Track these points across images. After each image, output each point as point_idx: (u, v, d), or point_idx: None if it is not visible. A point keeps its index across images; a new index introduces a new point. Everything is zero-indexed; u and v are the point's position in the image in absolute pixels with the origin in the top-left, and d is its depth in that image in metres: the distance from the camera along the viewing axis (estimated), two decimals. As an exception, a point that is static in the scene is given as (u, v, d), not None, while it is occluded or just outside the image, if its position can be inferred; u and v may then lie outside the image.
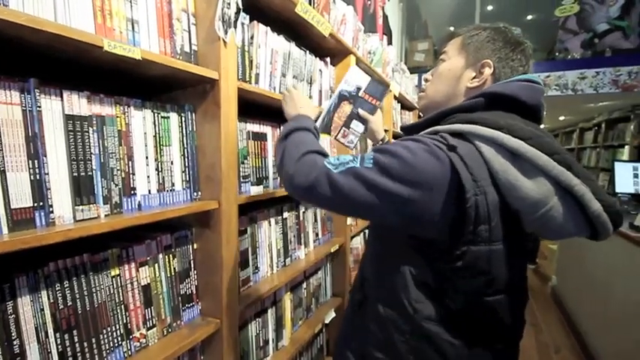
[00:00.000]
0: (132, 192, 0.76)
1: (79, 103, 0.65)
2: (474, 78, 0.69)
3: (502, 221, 0.55)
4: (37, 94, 0.59)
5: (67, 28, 0.55)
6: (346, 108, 0.95)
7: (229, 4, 0.86)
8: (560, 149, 0.54)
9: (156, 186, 0.81)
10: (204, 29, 0.87)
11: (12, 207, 0.56)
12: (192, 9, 0.86)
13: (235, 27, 0.89)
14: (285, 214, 1.37)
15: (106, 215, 0.70)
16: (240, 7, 0.90)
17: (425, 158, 0.54)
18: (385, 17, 2.96)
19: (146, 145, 0.79)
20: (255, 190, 1.15)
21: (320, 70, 1.52)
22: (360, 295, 0.73)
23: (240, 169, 1.07)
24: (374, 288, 0.70)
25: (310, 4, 1.28)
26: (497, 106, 0.62)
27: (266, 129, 1.21)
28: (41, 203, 0.60)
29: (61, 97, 0.62)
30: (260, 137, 1.18)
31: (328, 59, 1.57)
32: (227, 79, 0.88)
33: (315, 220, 1.58)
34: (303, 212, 1.48)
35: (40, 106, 0.59)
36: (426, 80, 0.79)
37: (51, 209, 0.61)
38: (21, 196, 0.57)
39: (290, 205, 1.40)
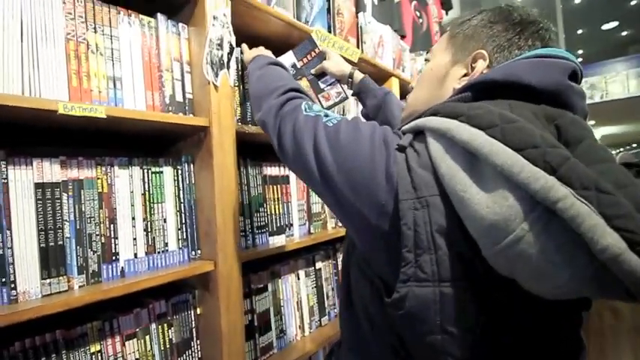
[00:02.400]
0: (113, 257, 0.70)
1: (50, 170, 0.63)
2: (464, 76, 0.50)
3: (459, 251, 0.37)
4: (4, 165, 0.58)
5: (10, 97, 0.53)
6: (305, 83, 0.98)
7: (219, 45, 0.80)
8: (549, 140, 0.33)
9: (144, 248, 0.74)
10: (197, 76, 0.82)
11: (-32, 287, 0.54)
12: (186, 57, 0.82)
13: (229, 67, 0.82)
14: (319, 264, 1.19)
15: (80, 286, 0.65)
16: (234, 45, 0.83)
17: (364, 144, 0.44)
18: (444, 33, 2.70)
19: (132, 205, 0.73)
20: (276, 241, 1.02)
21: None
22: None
23: (254, 219, 0.96)
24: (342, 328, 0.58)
25: (330, 31, 1.16)
26: (493, 98, 0.42)
27: (288, 171, 1.10)
28: (3, 279, 0.57)
29: (31, 165, 0.61)
30: (280, 181, 1.06)
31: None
32: (219, 125, 0.79)
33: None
34: (343, 260, 1.28)
35: (5, 178, 0.58)
36: (412, 89, 0.62)
37: (13, 285, 0.57)
38: (-21, 273, 0.55)
39: (325, 252, 1.23)
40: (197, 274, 0.77)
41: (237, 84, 0.92)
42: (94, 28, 0.69)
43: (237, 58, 0.91)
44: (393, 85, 1.51)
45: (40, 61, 0.61)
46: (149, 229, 0.75)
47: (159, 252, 0.77)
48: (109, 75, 0.70)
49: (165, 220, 0.78)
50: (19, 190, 0.59)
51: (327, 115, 0.52)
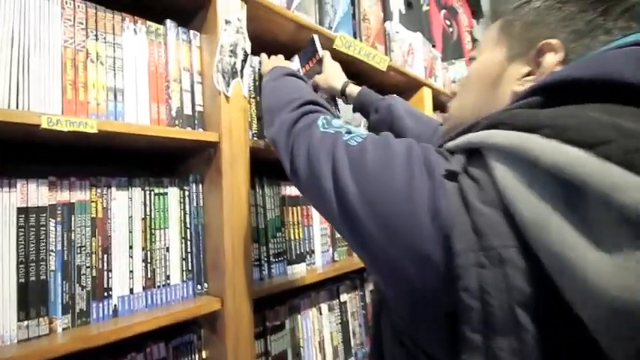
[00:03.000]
0: (105, 294, 0.60)
1: (37, 192, 0.55)
2: (528, 75, 0.38)
3: (555, 336, 0.24)
4: (-18, 188, 0.50)
5: None
6: None
7: (232, 51, 0.71)
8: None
9: (141, 282, 0.64)
10: (209, 86, 0.73)
11: None
12: (197, 66, 0.75)
13: (242, 76, 0.73)
14: (344, 297, 1.05)
15: (64, 329, 0.56)
16: (249, 51, 0.74)
17: (398, 170, 0.32)
18: (475, 42, 2.56)
19: (131, 232, 0.64)
20: (295, 271, 0.90)
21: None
22: None
23: (270, 246, 0.84)
24: None
25: (355, 37, 1.06)
26: (575, 103, 0.29)
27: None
28: (-29, 322, 0.48)
29: (15, 187, 0.53)
30: (300, 202, 0.95)
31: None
32: (230, 140, 0.70)
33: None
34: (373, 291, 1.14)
35: (-18, 203, 0.50)
36: (453, 95, 0.48)
37: (-18, 329, 0.49)
38: (-57, 316, 0.47)
39: (351, 282, 1.09)
40: (202, 314, 0.66)
41: (252, 94, 0.83)
42: (96, 35, 0.62)
43: (252, 65, 0.83)
44: (425, 96, 1.38)
45: (31, 71, 0.54)
46: (149, 260, 0.66)
47: (159, 286, 0.67)
48: (110, 86, 0.63)
49: (167, 249, 0.69)
50: (1, 216, 0.52)
51: (349, 132, 0.40)
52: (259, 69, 0.84)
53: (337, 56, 1.02)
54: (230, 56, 0.70)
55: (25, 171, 0.54)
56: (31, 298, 0.53)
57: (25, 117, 0.49)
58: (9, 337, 0.51)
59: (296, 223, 0.93)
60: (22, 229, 0.53)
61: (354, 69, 1.13)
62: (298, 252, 0.92)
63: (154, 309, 0.65)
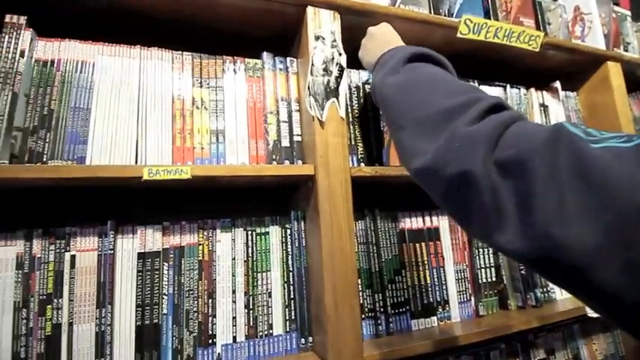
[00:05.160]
0: (210, 341, 0.58)
1: (152, 238, 0.58)
2: None
3: None
4: (112, 235, 0.56)
5: (95, 168, 0.51)
6: None
7: (326, 69, 0.63)
8: None
9: (244, 330, 0.60)
10: (305, 112, 0.67)
11: (73, 365, 0.52)
12: (294, 94, 0.70)
13: (338, 95, 0.63)
14: (500, 366, 0.77)
15: (174, 375, 0.56)
16: (344, 65, 0.64)
17: None
18: None
19: (234, 275, 0.62)
20: (424, 327, 0.71)
21: (543, 106, 0.93)
22: None
23: (388, 294, 0.69)
24: None
25: (489, 16, 0.81)
26: None
27: (439, 220, 0.78)
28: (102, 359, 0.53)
29: (135, 233, 0.58)
30: (425, 236, 0.76)
31: (557, 84, 0.94)
32: (327, 171, 0.60)
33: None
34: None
35: (112, 249, 0.56)
36: None
37: (109, 368, 0.53)
38: (83, 351, 0.53)
39: (509, 347, 0.79)
40: (304, 376, 0.57)
41: (355, 113, 0.72)
42: (200, 82, 0.65)
43: (354, 80, 0.72)
44: (612, 74, 0.95)
45: (148, 126, 0.60)
46: (251, 306, 0.62)
47: (261, 336, 0.61)
48: (212, 129, 0.64)
49: (270, 294, 0.63)
50: (125, 261, 0.57)
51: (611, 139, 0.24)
52: (364, 81, 0.73)
53: (466, 48, 0.81)
54: (323, 75, 0.62)
55: (141, 217, 0.59)
56: (146, 342, 0.55)
57: (131, 171, 0.52)
58: (129, 378, 0.54)
59: (421, 263, 0.74)
60: (141, 273, 0.57)
61: (495, 57, 0.88)
62: (425, 301, 0.72)
63: (257, 361, 0.60)
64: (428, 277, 0.73)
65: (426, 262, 0.74)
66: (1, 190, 0.55)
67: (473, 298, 0.77)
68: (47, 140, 0.55)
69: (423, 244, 0.75)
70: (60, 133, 0.56)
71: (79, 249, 0.55)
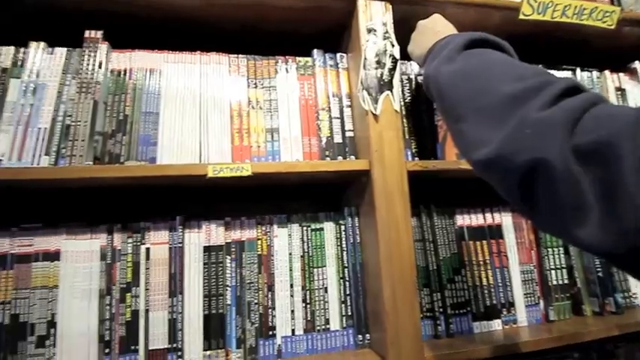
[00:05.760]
0: (270, 333, 0.60)
1: (216, 232, 0.62)
2: None
3: None
4: (181, 230, 0.61)
5: (165, 167, 0.54)
6: None
7: (379, 61, 0.61)
8: None
9: (302, 324, 0.61)
10: (357, 107, 0.66)
11: (150, 348, 0.56)
12: (345, 89, 0.69)
13: (392, 87, 0.61)
14: (575, 377, 0.70)
15: (238, 363, 0.58)
16: (398, 56, 0.62)
17: None
18: None
19: (291, 270, 0.63)
20: (486, 330, 0.67)
21: (620, 89, 0.83)
22: None
23: (446, 294, 0.66)
24: None
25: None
26: None
27: (502, 217, 0.73)
28: (174, 345, 0.57)
29: (201, 228, 0.61)
30: (487, 234, 0.72)
31: (636, 64, 0.84)
32: (382, 166, 0.59)
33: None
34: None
35: (181, 243, 0.60)
36: None
37: (181, 353, 0.57)
38: (158, 336, 0.57)
39: (584, 356, 0.72)
40: (363, 372, 0.56)
41: (408, 106, 0.70)
42: (255, 83, 0.67)
43: (407, 72, 0.70)
44: None
45: (209, 126, 0.63)
46: (308, 301, 0.63)
47: (318, 330, 0.62)
48: (267, 127, 0.66)
49: (326, 290, 0.64)
50: (192, 253, 0.60)
51: None
52: (416, 73, 0.70)
53: (528, 31, 0.75)
54: (376, 68, 0.61)
55: (205, 213, 0.62)
56: (213, 330, 0.58)
57: (197, 169, 0.55)
58: (198, 363, 0.57)
59: (482, 263, 0.70)
60: (206, 266, 0.60)
61: (563, 38, 0.80)
62: (488, 303, 0.68)
63: (315, 355, 0.60)
64: (490, 278, 0.69)
65: (487, 261, 0.70)
66: (87, 188, 0.61)
67: (542, 302, 0.72)
68: (123, 143, 0.61)
69: (484, 242, 0.71)
70: (134, 136, 0.61)
71: (153, 242, 0.60)
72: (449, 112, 0.40)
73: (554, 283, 0.73)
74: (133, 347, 0.56)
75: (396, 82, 0.62)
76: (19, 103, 0.60)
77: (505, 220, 0.73)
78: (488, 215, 0.72)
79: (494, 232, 0.72)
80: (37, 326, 0.55)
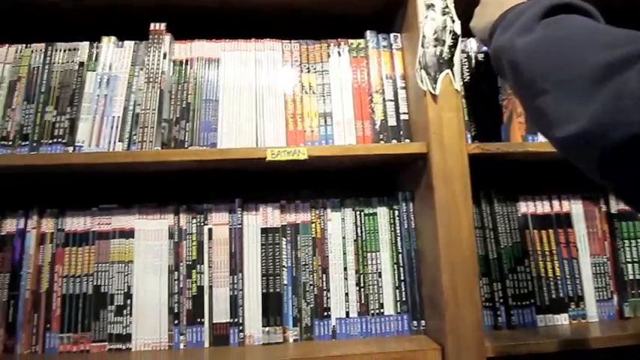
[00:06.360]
0: (325, 314, 0.62)
1: (272, 215, 0.64)
2: None
3: None
4: (240, 212, 0.63)
5: (227, 151, 0.57)
6: None
7: (438, 38, 0.58)
8: None
9: (356, 307, 0.62)
10: (413, 88, 0.64)
11: (214, 321, 0.60)
12: (400, 70, 0.67)
13: (452, 66, 0.58)
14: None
15: (294, 340, 0.61)
16: (459, 32, 0.59)
17: None
18: None
19: (344, 253, 0.64)
20: (552, 324, 0.63)
21: None
22: None
23: (508, 284, 0.63)
24: None
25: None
26: None
27: (571, 205, 0.68)
28: (235, 320, 0.60)
29: (258, 211, 0.64)
30: (553, 223, 0.67)
31: None
32: (441, 149, 0.56)
33: None
34: None
35: (240, 224, 0.63)
36: None
37: (242, 327, 0.60)
38: (221, 311, 0.61)
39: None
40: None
41: (467, 86, 0.66)
42: (308, 68, 0.68)
43: (466, 50, 0.66)
44: None
45: (265, 111, 0.65)
46: (362, 284, 0.63)
47: (372, 314, 0.62)
48: (321, 112, 0.66)
49: (379, 275, 0.63)
50: (251, 234, 0.63)
51: None
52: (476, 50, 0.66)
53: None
54: (435, 46, 0.58)
55: (262, 197, 0.64)
56: (271, 308, 0.61)
57: (256, 152, 0.57)
58: (257, 338, 0.60)
59: (548, 253, 0.65)
60: (264, 246, 0.63)
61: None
62: (554, 296, 0.64)
63: (369, 338, 0.61)
64: (557, 269, 0.65)
65: (554, 251, 0.65)
66: (156, 172, 0.65)
67: (615, 297, 0.66)
68: (187, 130, 0.64)
69: (551, 231, 0.66)
70: (196, 123, 0.64)
71: (215, 223, 0.63)
72: (526, 87, 0.37)
73: (631, 277, 0.66)
74: (199, 320, 0.60)
75: (456, 59, 0.58)
76: (95, 94, 0.65)
77: (575, 208, 0.67)
78: (555, 203, 0.67)
79: (563, 221, 0.66)
80: (116, 297, 0.61)
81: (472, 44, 0.68)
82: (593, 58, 0.30)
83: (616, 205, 0.68)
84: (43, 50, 0.67)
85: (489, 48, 0.44)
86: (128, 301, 0.61)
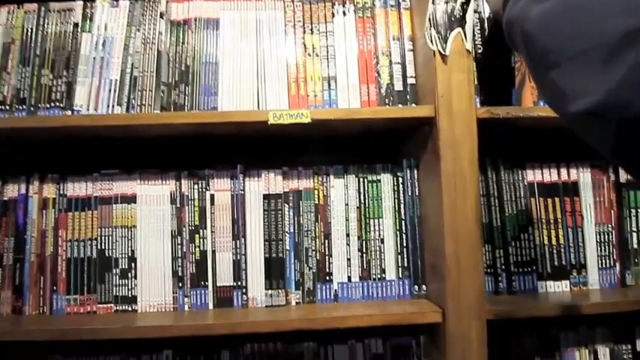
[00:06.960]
0: (327, 278, 0.62)
1: (274, 181, 0.63)
2: None
3: None
4: (241, 178, 0.62)
5: (228, 113, 0.55)
6: None
7: (450, -4, 0.55)
8: None
9: (358, 272, 0.62)
10: (421, 51, 0.61)
11: (217, 284, 0.61)
12: (407, 31, 0.64)
13: (464, 24, 0.55)
14: (650, 345, 0.65)
15: (297, 303, 0.61)
16: (471, -12, 0.55)
17: None
18: None
19: (347, 220, 0.63)
20: (552, 290, 0.63)
21: None
22: None
23: (510, 251, 0.63)
24: None
25: None
26: None
27: (579, 174, 0.67)
28: (239, 283, 0.61)
29: (260, 177, 0.63)
30: (559, 191, 0.66)
31: None
32: (449, 113, 0.54)
33: None
34: None
35: (242, 190, 0.62)
36: None
37: (245, 290, 0.61)
38: (224, 274, 0.61)
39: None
40: (419, 323, 0.56)
41: (478, 48, 0.63)
42: (311, 29, 0.65)
43: (478, 10, 0.63)
44: None
45: (267, 75, 0.62)
46: (364, 250, 0.63)
47: (374, 279, 0.63)
48: (324, 76, 0.64)
49: (382, 241, 0.63)
50: (253, 200, 0.63)
51: None
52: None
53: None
54: (446, 2, 0.55)
55: (264, 163, 0.63)
56: (274, 272, 0.62)
57: (258, 115, 0.55)
58: (260, 300, 0.61)
59: (553, 221, 0.65)
60: (266, 212, 0.62)
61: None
62: (556, 263, 0.64)
63: (370, 301, 0.62)
64: (561, 237, 0.64)
65: (559, 220, 0.65)
66: (157, 136, 0.64)
67: (618, 265, 0.66)
68: (186, 93, 0.62)
69: (557, 199, 0.65)
70: (196, 86, 0.62)
71: (217, 189, 0.62)
72: (539, 59, 0.34)
73: (635, 246, 0.66)
74: (202, 283, 0.61)
75: (469, 17, 0.55)
76: (91, 57, 0.63)
77: (583, 176, 0.66)
78: (563, 171, 0.65)
79: (569, 190, 0.65)
80: (120, 260, 0.62)
81: (484, 4, 0.65)
82: (610, 26, 0.28)
83: (625, 175, 0.67)
84: (36, 11, 0.64)
85: (502, 21, 0.42)
86: (132, 265, 0.61)
